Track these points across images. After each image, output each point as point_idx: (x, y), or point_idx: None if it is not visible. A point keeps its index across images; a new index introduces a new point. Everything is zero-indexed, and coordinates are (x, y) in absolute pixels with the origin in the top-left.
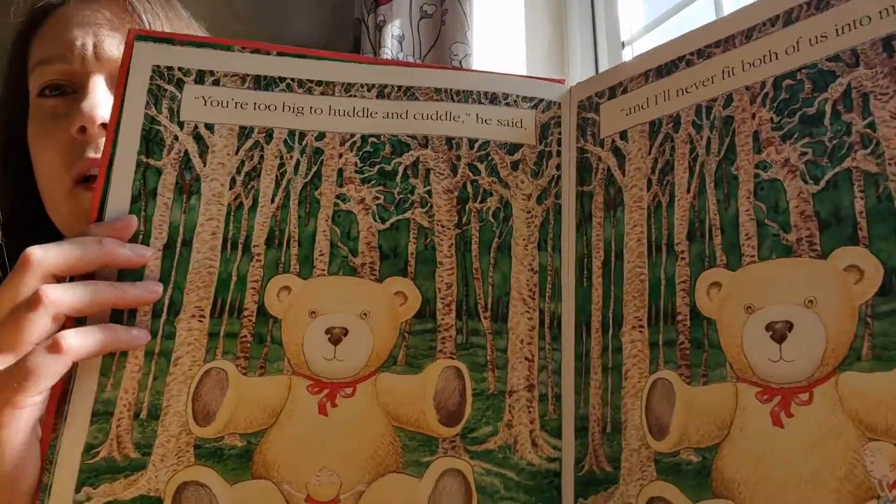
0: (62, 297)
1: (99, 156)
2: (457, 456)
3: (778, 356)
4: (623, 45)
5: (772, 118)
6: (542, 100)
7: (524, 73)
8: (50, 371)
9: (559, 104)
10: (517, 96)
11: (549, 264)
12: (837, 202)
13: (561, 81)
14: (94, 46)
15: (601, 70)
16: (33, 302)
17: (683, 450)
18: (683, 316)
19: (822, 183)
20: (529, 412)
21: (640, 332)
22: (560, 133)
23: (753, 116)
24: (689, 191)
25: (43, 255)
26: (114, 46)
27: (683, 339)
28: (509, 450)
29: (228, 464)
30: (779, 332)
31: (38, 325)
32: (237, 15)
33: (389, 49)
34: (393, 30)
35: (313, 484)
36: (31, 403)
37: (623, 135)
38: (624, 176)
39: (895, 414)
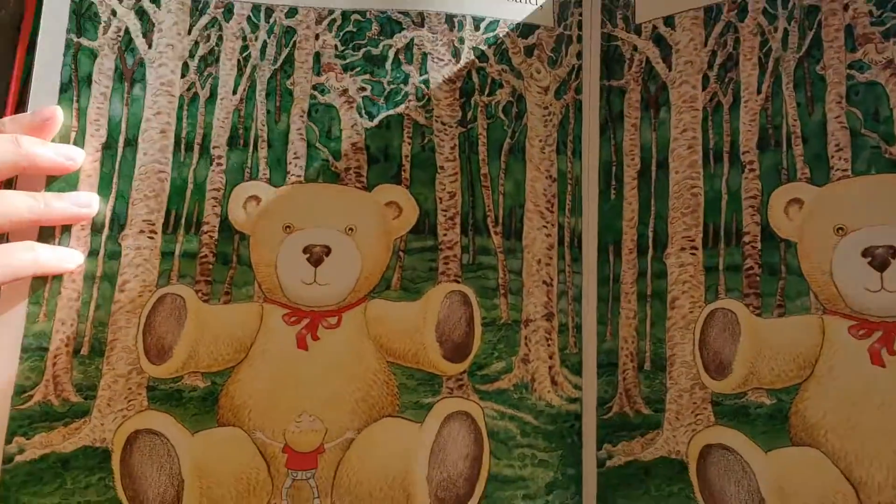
0: None
1: None
2: (464, 396)
3: (879, 286)
4: None
5: (871, 11)
6: None
7: None
8: None
9: None
10: None
11: (569, 171)
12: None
13: None
14: None
15: None
16: None
17: (752, 391)
18: (752, 237)
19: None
20: (548, 345)
21: (692, 254)
22: (581, 14)
23: (846, 8)
24: (759, 91)
25: None
26: None
27: (752, 263)
28: (525, 389)
29: (189, 408)
30: (880, 259)
31: None
32: None
33: None
34: None
35: (292, 431)
36: None
37: (668, 21)
38: (670, 70)
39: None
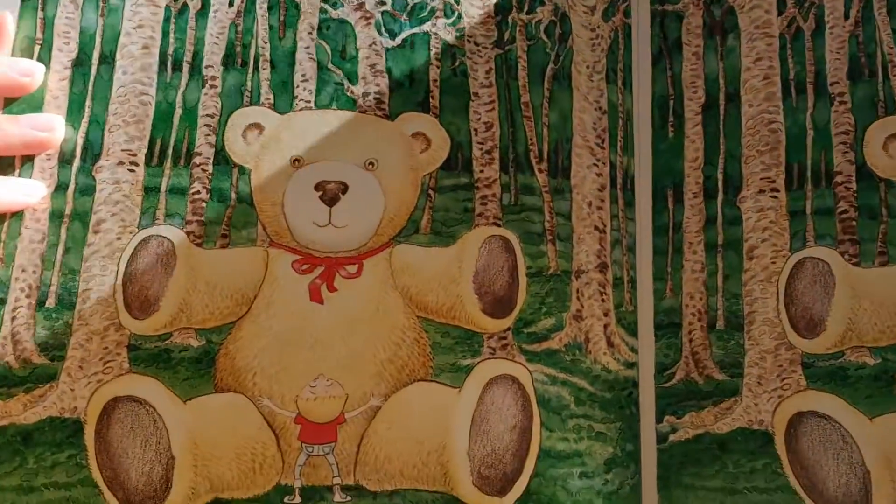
0: None
1: None
2: (509, 358)
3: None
4: None
5: None
6: None
7: None
8: None
9: None
10: None
11: (620, 104)
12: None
13: None
14: None
15: None
16: None
17: (851, 350)
18: (845, 177)
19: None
20: (602, 300)
21: (773, 197)
22: None
23: None
24: (847, 16)
25: None
26: None
27: (846, 206)
28: (579, 350)
29: (180, 372)
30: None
31: None
32: None
33: None
34: None
35: (306, 398)
36: None
37: None
38: None
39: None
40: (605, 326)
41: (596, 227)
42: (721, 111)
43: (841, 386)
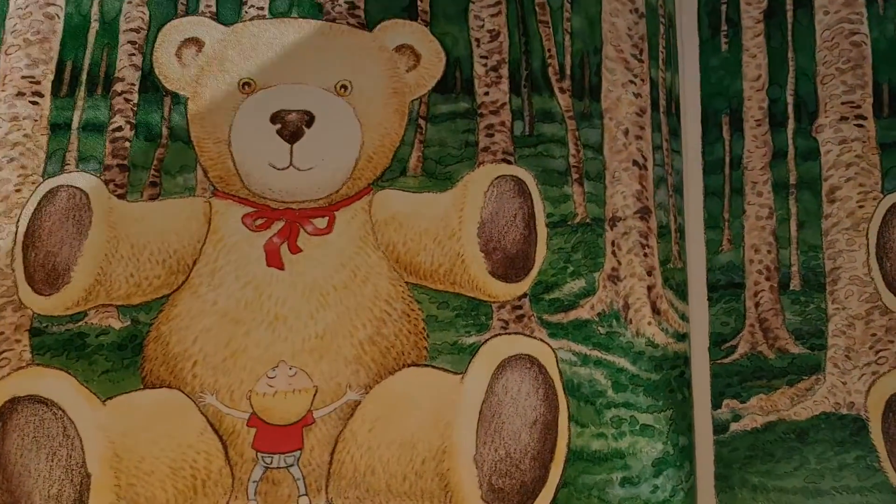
0: None
1: None
2: (526, 333)
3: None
4: None
5: None
6: None
7: None
8: None
9: None
10: None
11: (661, 5)
12: None
13: None
14: None
15: None
16: None
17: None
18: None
19: None
20: (645, 256)
21: (859, 126)
22: None
23: None
24: None
25: None
26: None
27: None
28: (617, 320)
29: (98, 362)
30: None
31: None
32: None
33: None
34: None
35: (263, 393)
36: None
37: None
38: None
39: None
40: (649, 289)
41: (635, 162)
42: (789, 19)
43: None
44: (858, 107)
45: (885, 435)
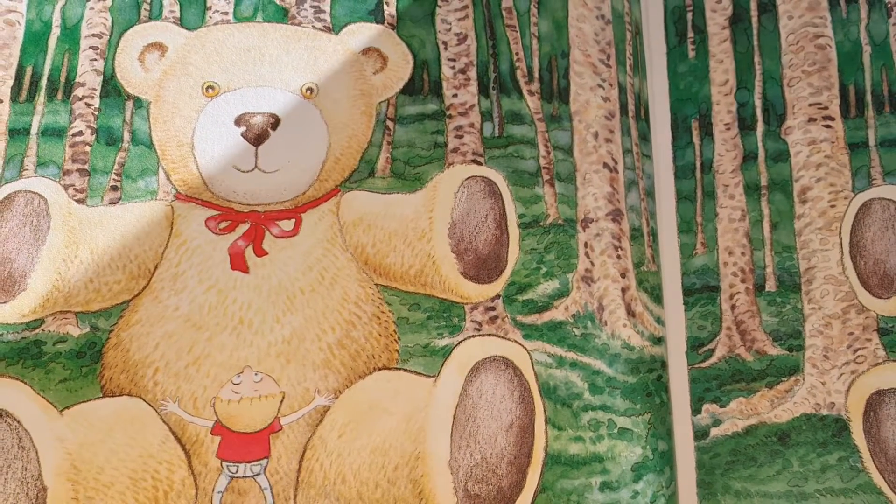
0: None
1: None
2: (500, 335)
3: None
4: None
5: None
6: None
7: None
8: None
9: None
10: None
11: (627, 12)
12: None
13: None
14: None
15: None
16: None
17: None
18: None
19: None
20: (619, 257)
21: (827, 126)
22: None
23: None
24: None
25: None
26: None
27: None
28: (591, 321)
29: (55, 371)
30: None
31: None
32: None
33: None
34: None
35: (227, 400)
36: None
37: None
38: None
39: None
40: (624, 291)
41: (605, 165)
42: (754, 24)
43: None
44: (826, 108)
45: (867, 435)
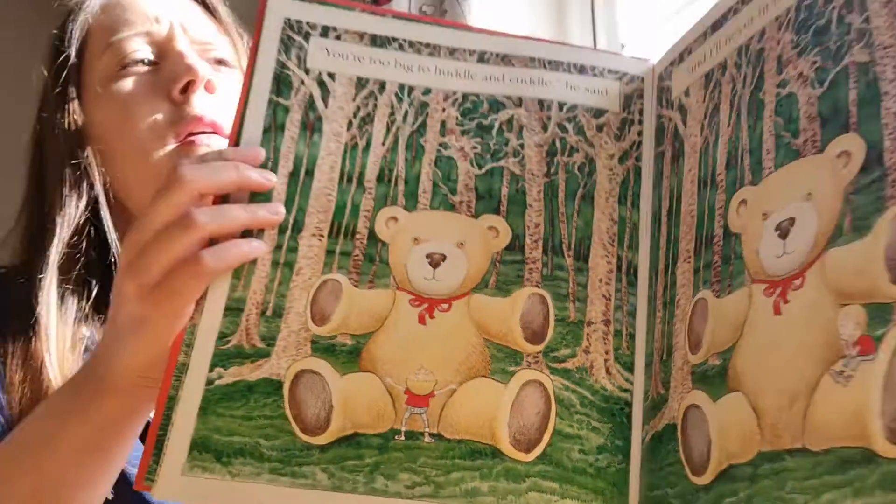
0: (210, 221)
1: (200, 114)
2: (539, 370)
3: (782, 251)
4: (622, 46)
5: (792, 38)
6: (626, 73)
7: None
8: (190, 294)
9: (642, 78)
10: (604, 68)
11: (628, 217)
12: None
13: (645, 60)
14: (173, 17)
15: None
16: (186, 224)
17: (710, 357)
18: (718, 237)
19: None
20: (605, 343)
21: (688, 262)
22: (643, 103)
23: (779, 42)
24: (728, 125)
25: (192, 175)
26: (196, 20)
27: (717, 258)
28: (585, 372)
29: (340, 357)
30: (784, 230)
31: (186, 245)
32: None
33: None
34: None
35: (412, 380)
36: (172, 317)
37: (686, 91)
38: (685, 128)
39: (864, 278)
40: (605, 360)
41: (604, 296)
42: (673, 211)
43: (704, 383)
44: (690, 252)
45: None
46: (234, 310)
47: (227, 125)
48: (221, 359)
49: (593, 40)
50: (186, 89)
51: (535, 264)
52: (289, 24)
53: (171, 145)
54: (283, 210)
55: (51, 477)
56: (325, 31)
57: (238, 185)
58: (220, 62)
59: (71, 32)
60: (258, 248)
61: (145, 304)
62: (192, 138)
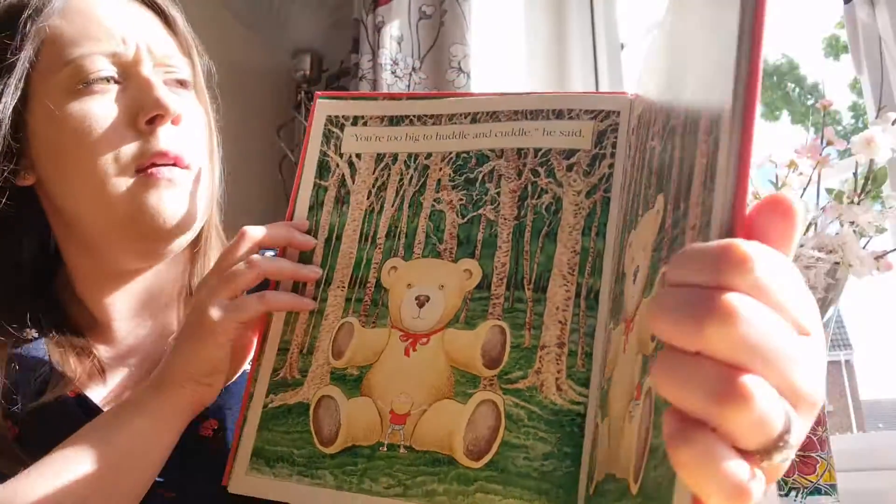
0: (266, 265)
1: (165, 149)
2: (493, 391)
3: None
4: (622, 46)
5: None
6: (601, 111)
7: (545, 83)
8: (253, 308)
9: (618, 112)
10: (580, 110)
11: (591, 247)
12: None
13: (622, 94)
14: (139, 39)
15: (600, 72)
16: (250, 264)
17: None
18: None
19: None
20: (557, 364)
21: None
22: (616, 138)
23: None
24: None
25: (254, 233)
26: (158, 38)
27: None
28: (535, 390)
29: (348, 385)
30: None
31: (248, 279)
32: (237, 15)
33: (388, 50)
34: (392, 31)
35: (395, 402)
36: (236, 325)
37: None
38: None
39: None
40: (556, 379)
41: (559, 321)
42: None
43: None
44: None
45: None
46: (283, 350)
47: (188, 155)
48: (273, 388)
49: (593, 40)
50: (153, 121)
51: (498, 299)
52: (329, 119)
53: (130, 177)
54: (320, 270)
55: (107, 462)
56: (355, 121)
57: (288, 242)
58: (180, 83)
59: (22, 34)
60: (307, 304)
61: (217, 311)
62: (153, 170)
